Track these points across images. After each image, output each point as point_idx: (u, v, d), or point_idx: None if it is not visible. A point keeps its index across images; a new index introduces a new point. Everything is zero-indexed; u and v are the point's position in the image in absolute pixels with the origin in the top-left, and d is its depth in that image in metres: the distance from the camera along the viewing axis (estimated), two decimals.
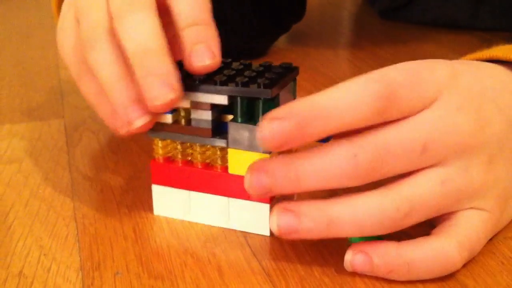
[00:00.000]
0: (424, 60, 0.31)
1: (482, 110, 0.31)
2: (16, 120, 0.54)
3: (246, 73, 0.33)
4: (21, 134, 0.51)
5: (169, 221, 0.37)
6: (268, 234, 0.35)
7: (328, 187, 0.29)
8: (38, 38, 0.85)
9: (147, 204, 0.39)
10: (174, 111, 0.35)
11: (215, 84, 0.33)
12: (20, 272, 0.33)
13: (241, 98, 0.33)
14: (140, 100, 0.32)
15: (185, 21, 0.33)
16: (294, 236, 0.30)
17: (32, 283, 0.32)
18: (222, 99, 0.33)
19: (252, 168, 0.30)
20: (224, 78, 0.33)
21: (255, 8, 0.67)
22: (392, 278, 0.30)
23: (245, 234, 0.35)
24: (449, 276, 0.31)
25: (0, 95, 0.62)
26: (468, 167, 0.30)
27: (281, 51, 0.72)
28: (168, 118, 0.35)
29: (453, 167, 0.30)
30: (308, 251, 0.33)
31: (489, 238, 0.33)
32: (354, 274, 0.31)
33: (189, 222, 0.37)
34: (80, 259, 0.33)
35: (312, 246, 0.34)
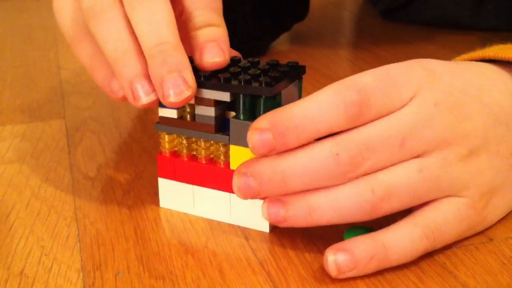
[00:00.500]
0: (400, 63, 0.32)
1: (462, 105, 0.32)
2: (17, 120, 0.54)
3: (251, 71, 0.34)
4: (22, 134, 0.51)
5: (170, 221, 0.37)
6: (268, 230, 0.35)
7: (314, 187, 0.31)
8: (39, 39, 0.85)
9: (148, 204, 0.39)
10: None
11: (219, 81, 0.33)
12: (21, 272, 0.33)
13: (243, 95, 0.33)
14: (147, 76, 0.33)
15: (201, 22, 0.35)
16: (284, 224, 0.32)
17: (33, 283, 0.32)
18: (224, 96, 0.33)
19: (239, 171, 0.32)
20: (228, 75, 0.33)
21: (255, 8, 0.67)
22: (375, 267, 0.31)
23: (246, 234, 0.35)
24: (450, 276, 0.31)
25: (1, 95, 0.62)
26: (446, 158, 0.31)
27: (282, 51, 0.72)
28: (174, 113, 0.35)
29: (431, 158, 0.31)
30: (309, 251, 0.33)
31: (465, 225, 0.33)
32: None
33: (190, 222, 0.37)
34: (81, 259, 0.33)
35: (313, 245, 0.34)
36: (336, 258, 0.30)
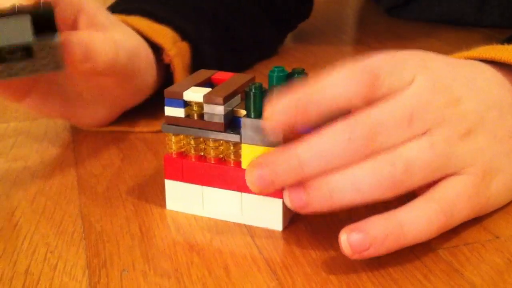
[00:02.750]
0: (397, 51, 0.34)
1: (453, 90, 0.33)
2: (22, 117, 0.54)
3: None
4: (27, 131, 0.51)
5: (175, 218, 0.37)
6: (280, 229, 0.35)
7: (330, 168, 0.31)
8: None
9: (153, 201, 0.39)
10: (187, 105, 0.35)
11: None
12: (27, 269, 0.33)
13: (254, 93, 0.33)
14: None
15: None
16: (307, 209, 0.32)
17: (38, 280, 0.32)
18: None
19: (252, 165, 0.32)
20: None
21: (256, 17, 0.67)
22: (391, 246, 0.31)
23: (251, 232, 0.35)
24: (456, 274, 0.31)
25: None
26: (448, 135, 0.32)
27: (285, 49, 0.72)
28: (181, 112, 0.35)
29: (436, 135, 0.32)
30: (315, 250, 0.33)
31: (472, 204, 0.33)
32: (361, 272, 0.31)
33: (195, 219, 0.37)
34: (87, 256, 0.33)
35: (318, 244, 0.34)
36: (350, 237, 0.30)
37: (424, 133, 0.32)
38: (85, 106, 0.48)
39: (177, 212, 0.37)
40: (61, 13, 0.42)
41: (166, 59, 0.50)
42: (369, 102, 0.32)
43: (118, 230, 0.36)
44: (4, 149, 0.48)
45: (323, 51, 0.73)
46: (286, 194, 0.32)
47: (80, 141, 0.48)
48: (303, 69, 0.36)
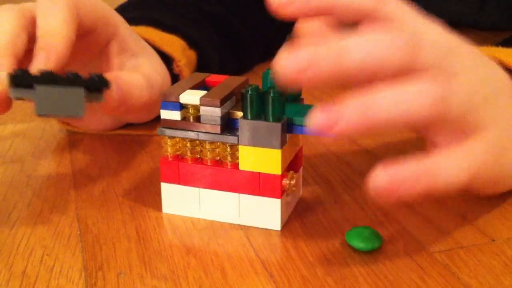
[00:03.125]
0: (450, 35, 0.34)
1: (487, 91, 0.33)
2: (19, 119, 0.54)
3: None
4: (24, 133, 0.51)
5: (171, 221, 0.37)
6: (279, 229, 0.35)
7: (369, 68, 0.29)
8: None
9: (149, 204, 0.39)
10: (183, 108, 0.35)
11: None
12: (23, 272, 0.32)
13: (251, 95, 0.33)
14: None
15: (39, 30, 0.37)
16: (335, 130, 0.29)
17: (35, 283, 0.32)
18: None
19: (286, 49, 0.29)
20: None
21: (265, 16, 0.68)
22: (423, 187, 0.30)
23: (248, 234, 0.35)
24: (452, 276, 0.31)
25: None
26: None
27: None
28: (177, 115, 0.35)
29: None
30: (311, 252, 0.33)
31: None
32: (357, 274, 0.31)
33: (191, 222, 0.37)
34: (83, 259, 0.33)
35: (315, 246, 0.34)
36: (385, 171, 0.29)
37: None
38: (93, 113, 0.48)
39: (173, 214, 0.37)
40: (96, 37, 0.43)
41: (176, 69, 0.50)
42: (401, 74, 0.30)
43: (115, 232, 0.36)
44: (1, 151, 0.47)
45: None
46: (316, 115, 0.29)
47: (77, 144, 0.48)
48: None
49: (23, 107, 0.57)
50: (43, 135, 0.50)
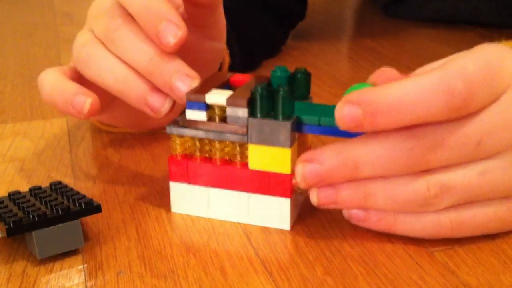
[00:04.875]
0: (491, 47, 0.31)
1: None
2: (19, 118, 0.54)
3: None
4: (24, 132, 0.51)
5: (171, 220, 0.37)
6: (288, 228, 0.35)
7: (380, 175, 0.31)
8: (41, 37, 0.85)
9: (149, 203, 0.39)
10: (208, 108, 0.35)
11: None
12: (23, 271, 0.33)
13: (260, 93, 0.33)
14: (156, 89, 0.36)
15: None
16: (332, 206, 0.32)
17: (35, 282, 0.32)
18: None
19: (303, 159, 0.32)
20: None
21: (271, 14, 0.68)
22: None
23: (247, 233, 0.35)
24: (452, 275, 0.31)
25: (2, 93, 0.62)
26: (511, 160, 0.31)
27: (284, 49, 0.72)
28: (203, 115, 0.35)
29: (499, 160, 0.30)
30: (311, 251, 0.33)
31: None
32: (357, 274, 0.31)
33: (191, 221, 0.37)
34: (83, 258, 0.33)
35: (315, 245, 0.34)
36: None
37: (487, 157, 0.30)
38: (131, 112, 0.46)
39: (173, 213, 0.38)
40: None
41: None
42: (454, 118, 0.29)
43: (115, 231, 0.36)
44: (1, 150, 0.48)
45: (321, 51, 0.73)
46: (314, 192, 0.32)
47: (77, 143, 0.48)
48: (306, 69, 0.36)
49: (24, 106, 0.57)
50: (44, 134, 0.50)
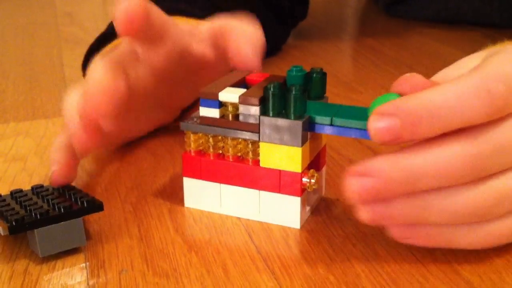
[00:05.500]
0: None
1: None
2: (21, 118, 0.54)
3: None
4: (26, 132, 0.51)
5: (173, 218, 0.37)
6: (298, 227, 0.35)
7: (438, 185, 0.28)
8: (42, 37, 0.85)
9: (151, 201, 0.39)
10: (222, 105, 0.35)
11: None
12: (25, 269, 0.33)
13: (273, 92, 0.33)
14: None
15: None
16: (379, 222, 0.30)
17: (37, 280, 0.32)
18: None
19: (354, 172, 0.29)
20: None
21: (272, 17, 0.68)
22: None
23: (249, 231, 0.35)
24: (455, 273, 0.31)
25: (4, 93, 0.62)
26: None
27: (286, 48, 0.72)
28: (216, 113, 0.35)
29: None
30: (313, 249, 0.33)
31: None
32: (359, 272, 0.31)
33: (193, 219, 0.37)
34: (85, 257, 0.33)
35: (317, 243, 0.34)
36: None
37: None
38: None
39: (175, 211, 0.38)
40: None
41: None
42: (494, 119, 0.28)
43: (117, 230, 0.36)
44: (3, 149, 0.48)
45: (322, 50, 0.73)
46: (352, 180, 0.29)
47: None
48: (321, 69, 0.36)
49: (25, 105, 0.57)
50: (46, 133, 0.50)
